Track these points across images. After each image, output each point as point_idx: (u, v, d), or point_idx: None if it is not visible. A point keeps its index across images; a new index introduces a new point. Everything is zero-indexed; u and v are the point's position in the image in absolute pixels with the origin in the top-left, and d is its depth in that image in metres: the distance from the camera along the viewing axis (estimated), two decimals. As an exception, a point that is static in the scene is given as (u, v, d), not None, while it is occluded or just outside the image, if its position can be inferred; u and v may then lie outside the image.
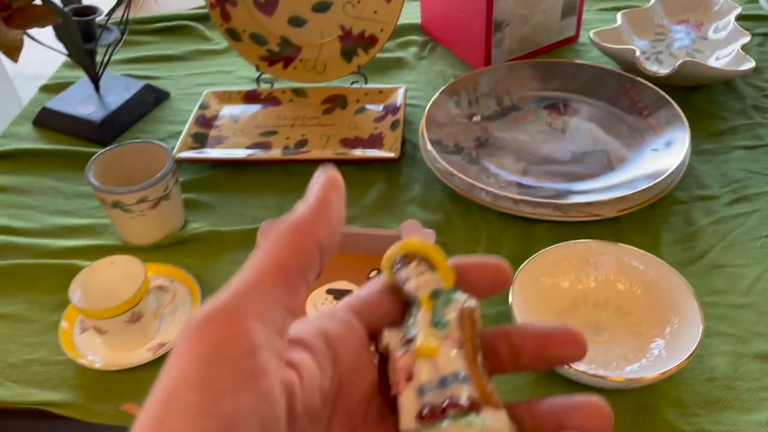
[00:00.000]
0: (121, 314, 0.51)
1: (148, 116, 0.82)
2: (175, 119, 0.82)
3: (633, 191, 0.60)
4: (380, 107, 0.78)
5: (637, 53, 0.74)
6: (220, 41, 0.95)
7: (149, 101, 0.83)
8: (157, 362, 0.53)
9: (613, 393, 0.49)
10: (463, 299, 0.24)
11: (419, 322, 0.24)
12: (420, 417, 0.23)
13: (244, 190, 0.70)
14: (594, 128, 0.71)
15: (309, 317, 0.24)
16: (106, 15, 0.75)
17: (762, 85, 0.77)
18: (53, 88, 0.87)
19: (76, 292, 0.52)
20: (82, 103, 0.80)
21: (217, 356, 0.19)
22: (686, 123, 0.66)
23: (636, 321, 0.53)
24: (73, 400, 0.52)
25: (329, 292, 0.58)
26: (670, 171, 0.61)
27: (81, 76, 0.87)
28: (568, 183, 0.65)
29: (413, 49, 0.89)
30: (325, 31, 0.80)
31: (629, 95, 0.72)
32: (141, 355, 0.54)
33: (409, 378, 0.23)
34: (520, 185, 0.65)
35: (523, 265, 0.54)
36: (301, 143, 0.74)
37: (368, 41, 0.79)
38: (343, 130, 0.76)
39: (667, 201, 0.64)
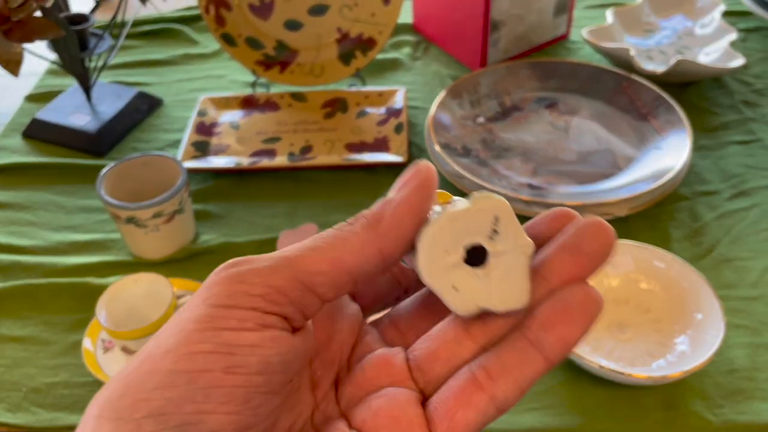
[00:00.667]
0: (152, 334, 0.51)
1: (142, 124, 0.81)
2: (171, 127, 0.80)
3: (643, 190, 0.61)
4: (382, 110, 0.78)
5: (632, 52, 0.75)
6: (208, 44, 0.93)
7: (143, 109, 0.81)
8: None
9: (641, 389, 0.51)
10: None
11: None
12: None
13: (252, 199, 0.70)
14: (596, 127, 0.73)
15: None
16: (108, 26, 0.73)
17: (749, 80, 0.80)
18: (40, 97, 0.85)
19: (102, 312, 0.51)
20: (74, 113, 0.78)
21: (230, 303, 0.20)
22: (686, 121, 0.68)
23: (656, 317, 0.55)
24: (103, 423, 0.51)
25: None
26: (676, 169, 0.63)
27: (68, 84, 0.85)
28: (578, 184, 0.66)
29: (407, 50, 0.89)
30: (322, 34, 0.79)
31: (627, 94, 0.74)
32: (169, 373, 0.53)
33: None
34: (531, 186, 0.66)
35: (546, 267, 0.55)
36: (306, 149, 0.74)
37: (366, 44, 0.78)
38: (346, 135, 0.76)
39: (672, 198, 0.66)
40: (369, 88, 0.80)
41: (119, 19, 0.74)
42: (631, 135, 0.71)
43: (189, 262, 0.63)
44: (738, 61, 0.76)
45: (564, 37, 0.89)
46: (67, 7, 0.76)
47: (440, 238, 0.21)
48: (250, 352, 0.19)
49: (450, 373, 0.21)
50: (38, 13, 0.60)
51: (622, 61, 0.78)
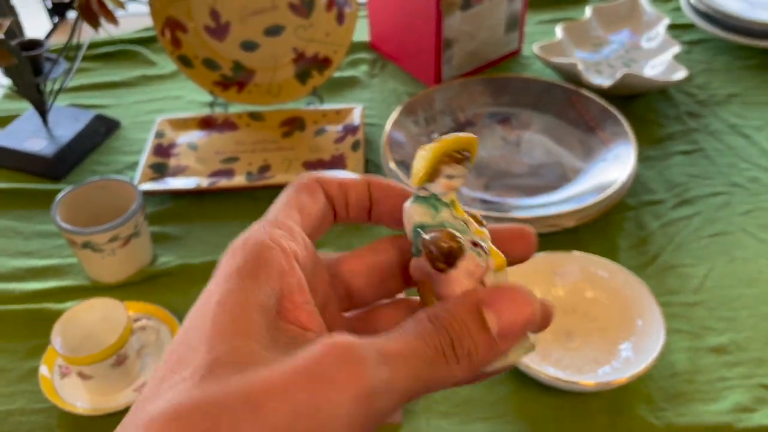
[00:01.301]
0: (107, 358, 0.51)
1: (100, 147, 0.81)
2: (130, 149, 0.81)
3: (590, 202, 0.64)
4: (339, 127, 0.79)
5: (580, 66, 0.78)
6: (165, 65, 0.94)
7: (101, 132, 0.82)
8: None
9: (588, 395, 0.53)
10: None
11: (471, 227, 0.23)
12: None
13: (209, 219, 0.71)
14: (546, 141, 0.75)
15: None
16: (62, 50, 0.73)
17: (693, 92, 0.83)
18: (-5, 122, 0.85)
19: (57, 338, 0.52)
20: (31, 137, 0.78)
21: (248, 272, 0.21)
22: (631, 133, 0.71)
23: (602, 326, 0.57)
24: (61, 449, 0.51)
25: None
26: (621, 180, 0.65)
27: (25, 108, 0.85)
28: (528, 197, 0.68)
29: (364, 67, 0.91)
30: (279, 55, 0.81)
31: (576, 107, 0.77)
32: (127, 396, 0.54)
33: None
34: (483, 201, 0.68)
35: (496, 280, 0.57)
36: (264, 168, 0.75)
37: (322, 63, 0.80)
38: (304, 153, 0.77)
39: (619, 208, 0.68)
40: (327, 106, 0.82)
41: (74, 41, 0.74)
42: (579, 148, 0.74)
43: (147, 285, 0.64)
44: (681, 74, 0.79)
45: (516, 53, 0.92)
46: (21, 33, 0.76)
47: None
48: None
49: None
50: (-11, 42, 0.60)
51: (572, 75, 0.80)
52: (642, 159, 0.74)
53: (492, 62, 0.90)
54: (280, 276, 0.21)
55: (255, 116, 0.81)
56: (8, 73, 0.70)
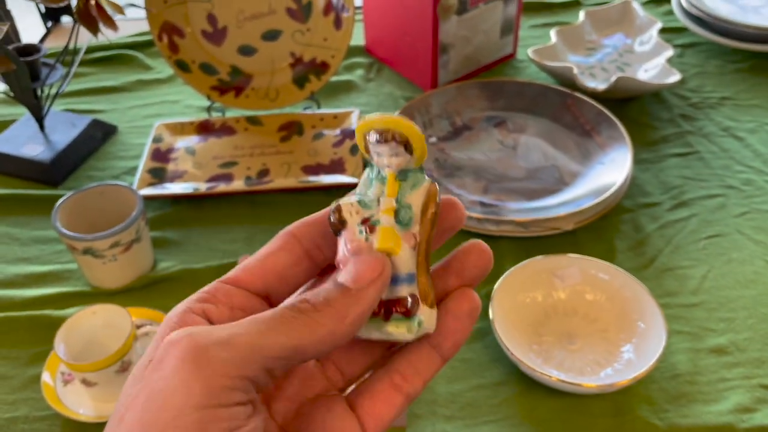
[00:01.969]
0: (112, 365, 0.51)
1: (97, 152, 0.81)
2: (127, 154, 0.80)
3: (587, 204, 0.64)
4: (337, 131, 0.80)
5: (575, 70, 0.79)
6: (162, 70, 0.93)
7: (97, 137, 0.81)
8: (148, 409, 0.53)
9: (591, 397, 0.53)
10: (427, 182, 0.25)
11: (382, 205, 0.25)
12: None
13: (209, 225, 0.71)
14: (542, 144, 0.76)
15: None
16: (59, 55, 0.73)
17: (686, 95, 0.84)
18: (-9, 127, 0.84)
19: (60, 345, 0.52)
20: (27, 143, 0.78)
21: (214, 402, 0.21)
22: (627, 136, 0.71)
23: (603, 327, 0.57)
24: (65, 457, 0.51)
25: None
26: (618, 183, 0.66)
27: (21, 114, 0.84)
28: (526, 200, 0.69)
29: (360, 72, 0.91)
30: (276, 59, 0.81)
31: (571, 111, 0.77)
32: (131, 403, 0.53)
33: None
34: (482, 204, 0.68)
35: (498, 282, 0.57)
36: (263, 173, 0.75)
37: (320, 68, 0.80)
38: (302, 157, 0.77)
39: (616, 210, 0.69)
40: (324, 110, 0.82)
41: (72, 46, 0.74)
42: (575, 151, 0.74)
43: (148, 291, 0.63)
44: (674, 77, 0.80)
45: (511, 57, 0.92)
46: (17, 38, 0.76)
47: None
48: None
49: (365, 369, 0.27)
50: (-12, 48, 0.60)
51: (566, 79, 0.81)
52: (637, 161, 0.75)
53: (487, 66, 0.90)
54: None
55: (253, 120, 0.81)
56: (5, 78, 0.69)
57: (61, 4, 0.64)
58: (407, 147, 0.25)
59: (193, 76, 0.80)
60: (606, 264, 0.59)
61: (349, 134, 0.78)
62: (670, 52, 0.84)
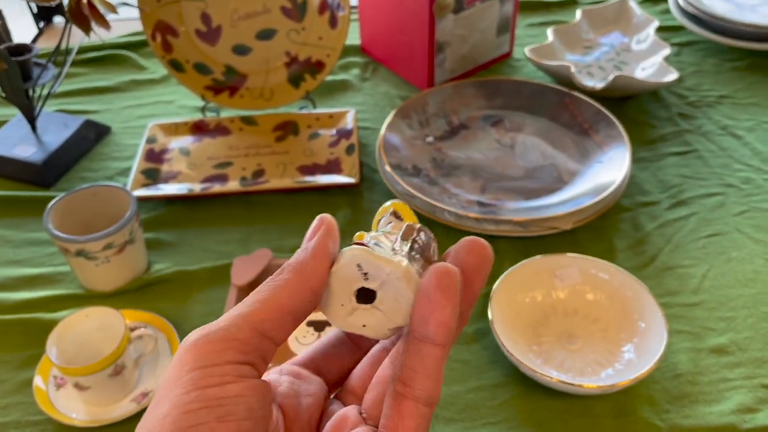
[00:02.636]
0: (105, 369, 0.50)
1: (90, 153, 0.80)
2: (121, 155, 0.79)
3: (586, 204, 0.64)
4: (333, 131, 0.79)
5: (572, 69, 0.78)
6: (156, 70, 0.93)
7: (90, 138, 0.80)
8: (142, 414, 0.52)
9: (592, 398, 0.53)
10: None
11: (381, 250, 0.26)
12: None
13: (204, 225, 0.70)
14: (541, 143, 0.75)
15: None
16: (51, 55, 0.72)
17: (684, 93, 0.84)
18: (-18, 128, 0.83)
19: (52, 349, 0.51)
20: (19, 144, 0.77)
21: (207, 363, 0.22)
22: (625, 135, 0.71)
23: (603, 327, 0.57)
24: (58, 462, 0.50)
25: (309, 324, 0.59)
26: (617, 182, 0.66)
27: (12, 114, 0.83)
28: (524, 199, 0.68)
29: (356, 71, 0.90)
30: (271, 59, 0.80)
31: (569, 109, 0.77)
32: (125, 407, 0.53)
33: None
34: (480, 204, 0.67)
35: (497, 282, 0.57)
36: (259, 173, 0.74)
37: (315, 67, 0.79)
38: (298, 157, 0.76)
39: (615, 209, 0.68)
40: (320, 110, 0.81)
41: (63, 46, 0.73)
42: (573, 150, 0.74)
43: (142, 293, 0.63)
44: (672, 76, 0.79)
45: (508, 56, 0.92)
46: (9, 38, 0.75)
47: (334, 295, 0.25)
48: (235, 401, 0.22)
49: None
50: (-22, 47, 0.59)
51: (564, 77, 0.81)
52: (635, 160, 0.74)
53: (483, 65, 0.90)
54: None
55: (248, 120, 0.80)
56: (-4, 78, 0.68)
57: (53, 3, 0.63)
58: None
59: (187, 76, 0.79)
60: (606, 263, 0.58)
61: (345, 134, 0.78)
62: (667, 51, 0.84)
